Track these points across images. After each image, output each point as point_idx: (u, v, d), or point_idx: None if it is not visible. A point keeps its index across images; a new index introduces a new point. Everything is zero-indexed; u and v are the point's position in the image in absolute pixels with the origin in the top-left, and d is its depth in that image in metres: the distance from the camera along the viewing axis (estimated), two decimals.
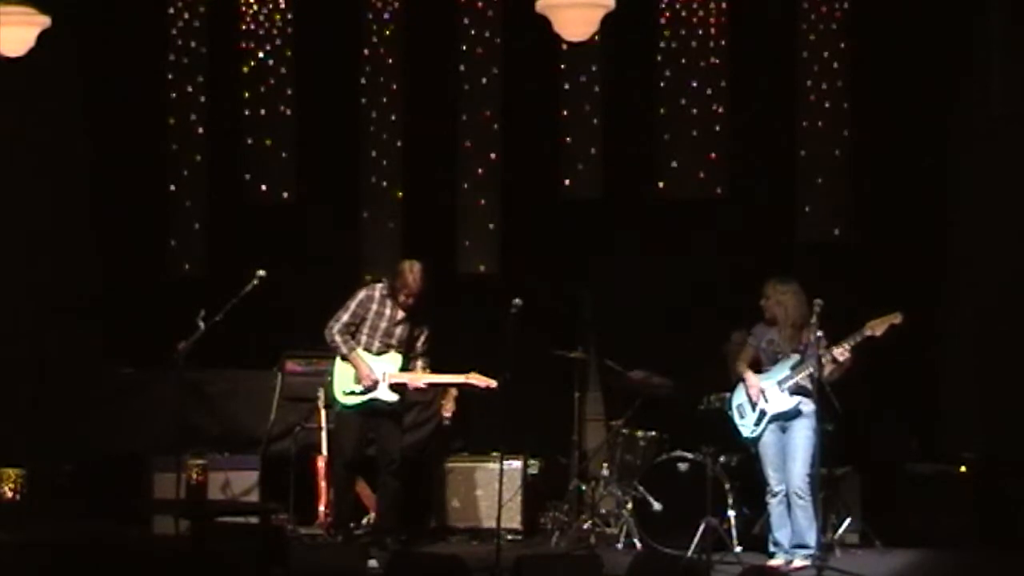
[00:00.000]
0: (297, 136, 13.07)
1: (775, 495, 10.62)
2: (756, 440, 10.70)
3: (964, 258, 12.21)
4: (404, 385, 10.98)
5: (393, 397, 10.97)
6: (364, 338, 11.02)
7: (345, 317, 11.02)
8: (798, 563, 10.46)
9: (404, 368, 10.99)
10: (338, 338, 11.00)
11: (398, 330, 11.03)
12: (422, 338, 11.08)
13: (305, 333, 11.73)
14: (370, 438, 11.10)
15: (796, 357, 10.55)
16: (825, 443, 10.76)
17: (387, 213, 13.02)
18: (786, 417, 10.58)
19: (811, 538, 10.44)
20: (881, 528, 11.28)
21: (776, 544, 10.64)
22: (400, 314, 11.02)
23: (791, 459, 10.53)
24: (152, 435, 11.58)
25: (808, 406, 10.48)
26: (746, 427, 10.71)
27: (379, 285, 11.15)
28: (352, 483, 11.23)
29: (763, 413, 10.61)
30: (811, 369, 10.35)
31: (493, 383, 10.84)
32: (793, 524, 10.53)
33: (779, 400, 10.57)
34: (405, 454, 11.15)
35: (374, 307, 11.05)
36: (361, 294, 11.08)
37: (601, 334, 12.76)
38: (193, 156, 13.11)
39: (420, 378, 10.98)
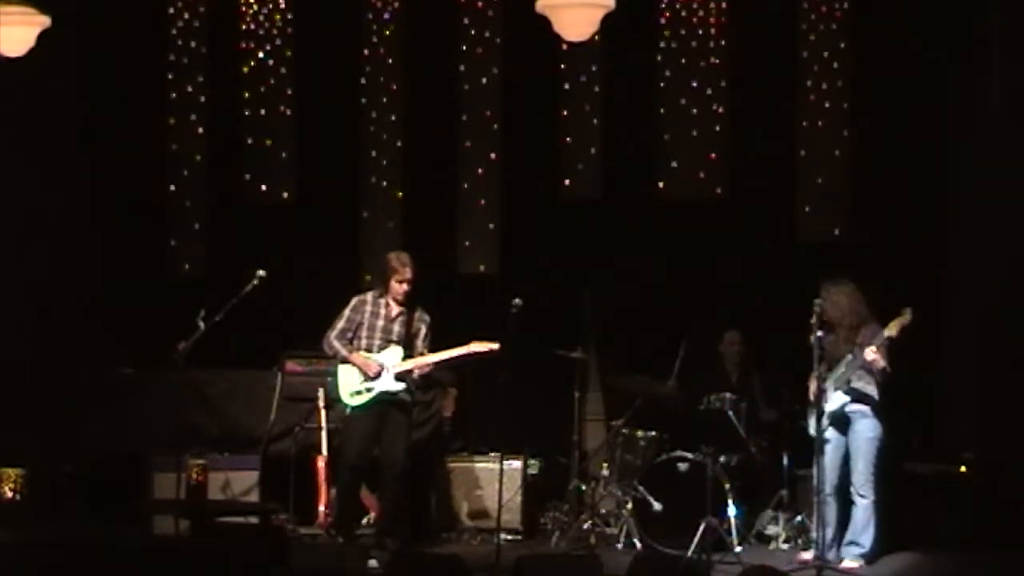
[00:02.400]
0: (297, 136, 13.08)
1: (824, 493, 10.63)
2: (821, 439, 10.68)
3: (964, 258, 12.21)
4: (409, 372, 10.99)
5: (399, 386, 10.96)
6: (364, 340, 11.04)
7: (341, 324, 11.08)
8: (848, 563, 10.49)
9: (407, 359, 11.02)
10: (336, 343, 11.04)
11: (395, 326, 11.06)
12: (421, 334, 11.09)
13: (305, 333, 11.73)
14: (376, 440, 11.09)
15: (851, 357, 10.56)
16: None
17: (387, 213, 13.03)
18: (843, 416, 10.59)
19: (866, 538, 10.49)
20: (881, 528, 11.27)
21: (815, 542, 10.63)
22: (395, 310, 11.06)
23: (853, 458, 10.56)
24: (152, 435, 11.57)
25: (870, 405, 10.52)
26: (810, 426, 10.72)
27: (370, 292, 11.18)
28: (356, 486, 11.22)
29: (822, 412, 10.63)
30: (860, 365, 10.43)
31: (495, 345, 10.83)
32: (850, 523, 10.55)
33: (835, 399, 10.60)
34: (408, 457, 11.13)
35: (368, 308, 11.09)
36: (354, 300, 11.15)
37: (601, 334, 12.77)
38: (193, 156, 13.12)
39: (423, 360, 10.99)
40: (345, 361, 11.02)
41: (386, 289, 11.04)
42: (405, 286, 10.99)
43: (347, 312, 11.09)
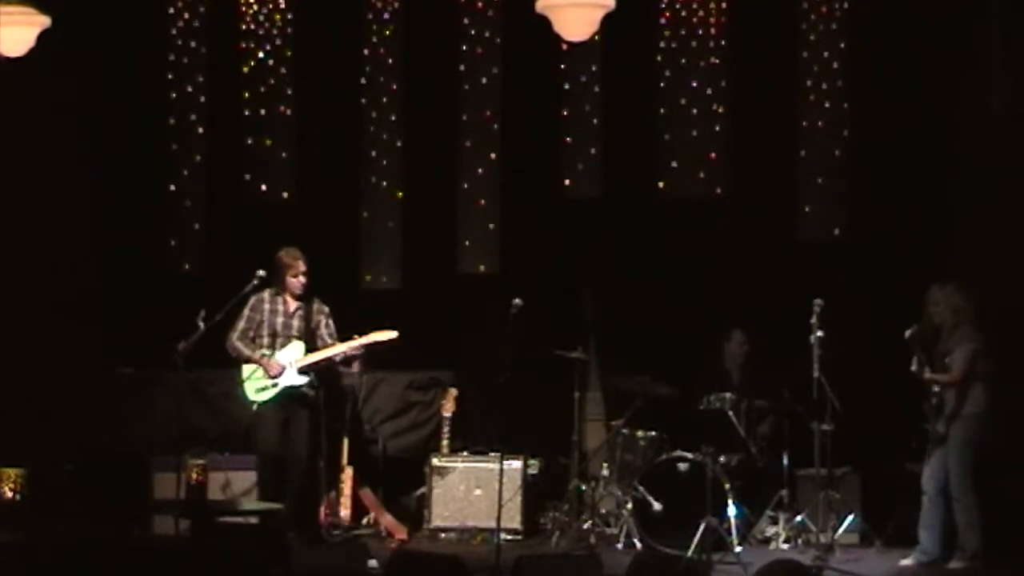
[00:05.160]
0: (297, 136, 13.07)
1: (924, 493, 10.67)
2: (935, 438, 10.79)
3: (964, 257, 12.20)
4: (312, 365, 11.21)
5: (302, 379, 11.22)
6: (265, 338, 11.31)
7: (241, 324, 11.31)
8: (954, 564, 10.53)
9: (309, 352, 11.25)
10: (238, 344, 11.28)
11: (295, 322, 11.32)
12: (322, 324, 11.35)
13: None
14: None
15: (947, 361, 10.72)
16: (825, 443, 10.78)
17: (387, 213, 13.02)
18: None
19: (970, 541, 10.51)
20: (881, 528, 11.28)
21: (918, 541, 10.71)
22: (293, 305, 11.35)
23: (950, 459, 10.61)
24: (152, 435, 11.60)
25: (968, 409, 10.60)
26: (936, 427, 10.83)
27: (267, 289, 11.34)
28: (280, 479, 11.25)
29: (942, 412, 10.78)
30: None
31: (394, 334, 11.17)
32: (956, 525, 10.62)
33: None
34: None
35: (267, 307, 11.34)
36: (252, 300, 11.33)
37: (601, 334, 12.76)
38: (193, 156, 13.11)
39: (324, 352, 11.24)
40: (248, 361, 11.23)
41: (282, 286, 11.24)
42: (301, 279, 11.29)
43: (247, 312, 11.31)
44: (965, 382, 10.63)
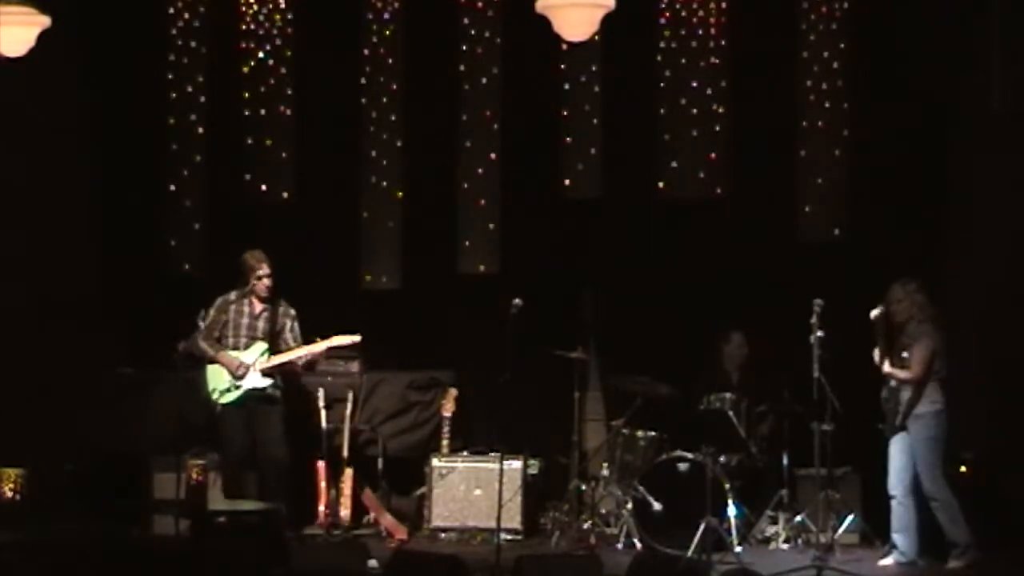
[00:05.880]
0: (297, 136, 13.06)
1: (892, 497, 10.66)
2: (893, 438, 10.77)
3: (963, 258, 12.20)
4: (276, 368, 11.24)
5: (266, 382, 11.24)
6: (231, 339, 11.32)
7: (207, 324, 11.33)
8: (952, 563, 10.52)
9: (273, 355, 11.28)
10: (203, 344, 11.30)
11: (260, 323, 11.34)
12: (287, 328, 11.37)
13: (304, 334, 11.73)
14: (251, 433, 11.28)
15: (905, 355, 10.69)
16: (825, 443, 10.78)
17: (387, 213, 13.01)
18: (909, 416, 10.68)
19: (959, 536, 10.50)
20: (881, 528, 11.28)
21: (893, 546, 10.69)
22: (259, 307, 11.37)
23: (916, 460, 10.61)
24: (152, 435, 11.60)
25: (925, 407, 10.58)
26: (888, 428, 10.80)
27: (234, 291, 11.40)
28: (244, 480, 11.30)
29: (895, 411, 10.76)
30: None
31: (357, 338, 11.22)
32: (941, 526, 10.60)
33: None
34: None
35: (233, 307, 11.37)
36: (218, 301, 11.40)
37: (601, 334, 12.76)
38: (193, 156, 13.10)
39: (287, 355, 11.27)
40: (213, 361, 11.25)
41: (249, 288, 11.28)
42: (266, 281, 11.31)
43: (212, 312, 11.37)
44: (922, 380, 10.62)
